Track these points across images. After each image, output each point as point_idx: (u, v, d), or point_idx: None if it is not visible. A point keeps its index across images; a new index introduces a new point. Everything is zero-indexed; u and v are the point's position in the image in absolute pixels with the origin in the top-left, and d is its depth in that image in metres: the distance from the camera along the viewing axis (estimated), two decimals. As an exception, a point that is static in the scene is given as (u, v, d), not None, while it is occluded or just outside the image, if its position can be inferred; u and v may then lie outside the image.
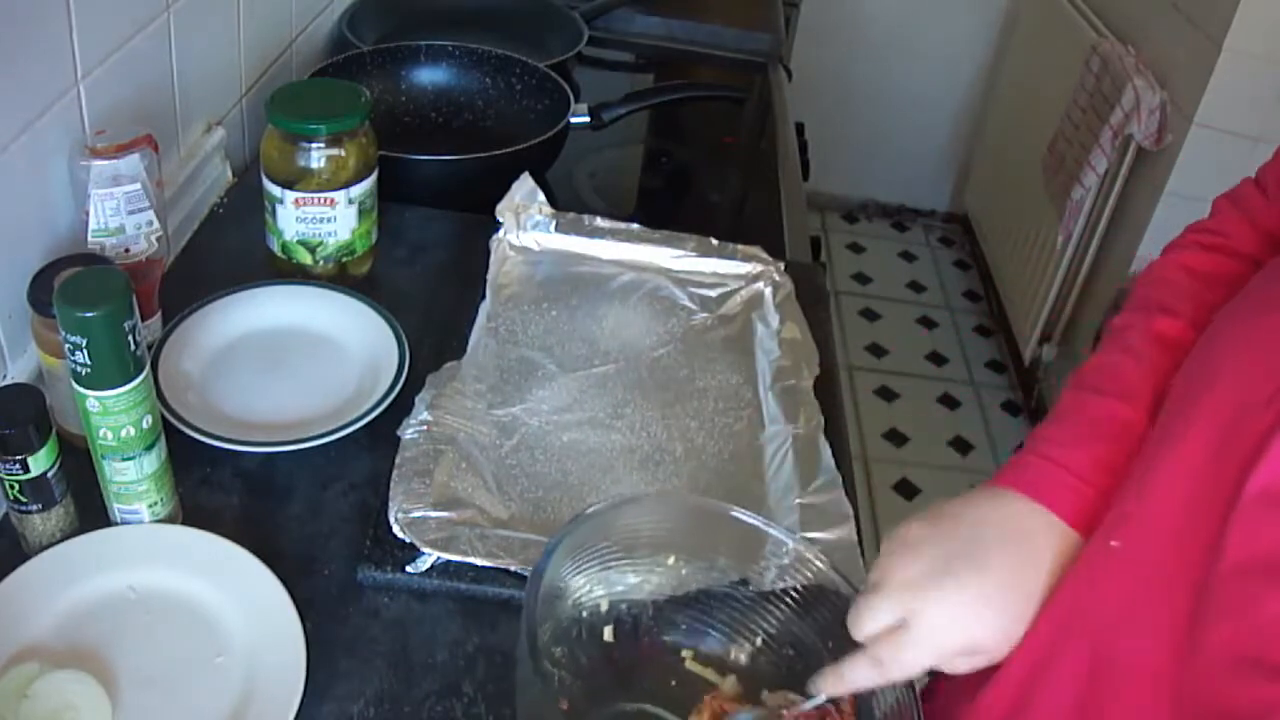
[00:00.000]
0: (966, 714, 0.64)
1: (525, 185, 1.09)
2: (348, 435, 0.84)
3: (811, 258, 1.25)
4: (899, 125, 3.14)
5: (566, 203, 1.14)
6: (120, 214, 0.84)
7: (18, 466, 0.69)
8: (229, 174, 1.16)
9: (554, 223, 1.08)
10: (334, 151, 0.96)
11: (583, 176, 1.34)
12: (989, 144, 3.02)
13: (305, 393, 0.89)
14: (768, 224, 1.26)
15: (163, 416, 0.76)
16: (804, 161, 1.51)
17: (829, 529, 0.79)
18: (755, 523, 0.68)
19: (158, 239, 0.87)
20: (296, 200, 0.97)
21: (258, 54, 1.22)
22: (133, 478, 0.72)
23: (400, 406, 0.85)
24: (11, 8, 0.75)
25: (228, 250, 1.06)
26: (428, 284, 1.05)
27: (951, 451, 2.54)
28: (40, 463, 0.69)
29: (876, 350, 2.82)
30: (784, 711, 0.63)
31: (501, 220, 1.06)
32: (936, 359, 2.82)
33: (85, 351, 0.64)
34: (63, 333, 0.64)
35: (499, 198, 1.07)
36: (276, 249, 1.01)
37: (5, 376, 0.81)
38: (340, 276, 1.02)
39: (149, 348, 0.81)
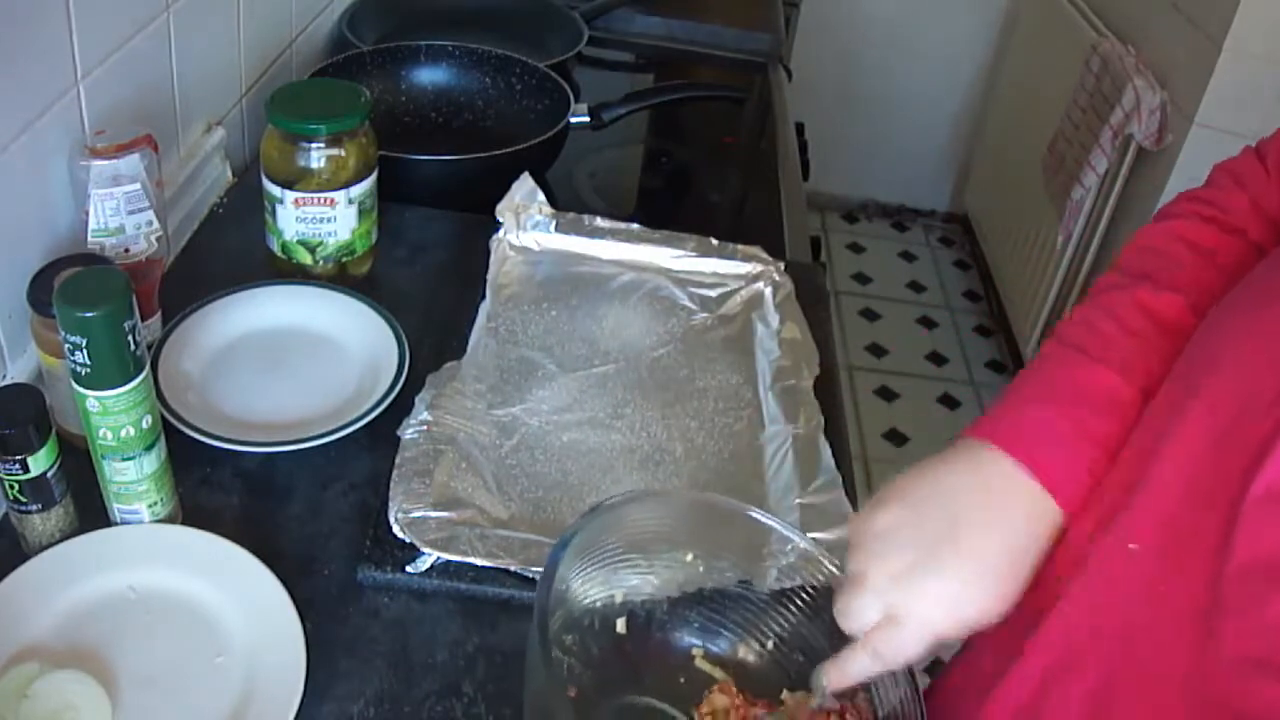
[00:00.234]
0: (977, 711, 0.63)
1: (525, 185, 1.09)
2: (348, 435, 0.84)
3: (811, 258, 1.25)
4: (899, 125, 3.14)
5: (566, 203, 1.14)
6: (120, 214, 0.84)
7: (18, 466, 0.69)
8: (229, 174, 1.16)
9: (554, 223, 1.08)
10: (334, 151, 0.96)
11: (583, 176, 1.34)
12: (989, 144, 3.02)
13: (305, 393, 0.89)
14: (768, 224, 1.26)
15: (163, 416, 0.76)
16: (804, 161, 1.51)
17: (829, 529, 0.78)
18: (773, 524, 0.68)
19: (158, 239, 0.87)
20: (296, 200, 0.97)
21: (258, 54, 1.22)
22: (133, 478, 0.72)
23: (400, 406, 0.85)
24: (11, 8, 0.75)
25: (228, 250, 1.06)
26: (428, 284, 1.05)
27: (952, 451, 2.54)
28: (40, 463, 0.69)
29: (876, 350, 2.82)
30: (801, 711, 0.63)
31: (501, 220, 1.06)
32: (936, 359, 2.82)
33: (85, 351, 0.64)
34: (62, 333, 0.64)
35: (499, 198, 1.07)
36: (276, 249, 1.01)
37: (5, 376, 0.81)
38: (340, 276, 1.02)
39: (149, 348, 0.81)
